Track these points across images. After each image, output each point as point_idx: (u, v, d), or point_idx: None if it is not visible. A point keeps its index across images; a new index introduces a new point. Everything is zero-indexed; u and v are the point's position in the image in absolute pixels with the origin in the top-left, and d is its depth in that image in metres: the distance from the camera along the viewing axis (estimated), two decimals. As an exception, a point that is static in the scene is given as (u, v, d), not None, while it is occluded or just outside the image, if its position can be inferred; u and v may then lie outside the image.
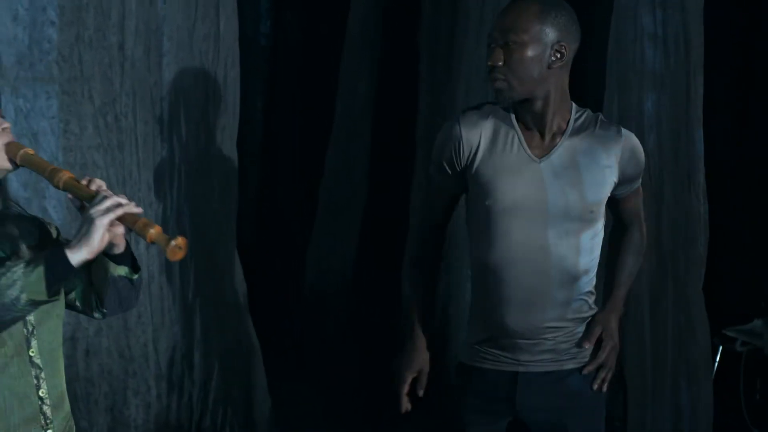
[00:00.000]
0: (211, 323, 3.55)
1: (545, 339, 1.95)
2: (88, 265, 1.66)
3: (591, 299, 2.02)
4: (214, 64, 3.52)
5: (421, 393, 2.11)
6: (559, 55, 1.88)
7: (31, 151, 1.65)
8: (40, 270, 1.48)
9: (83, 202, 1.59)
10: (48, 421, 1.65)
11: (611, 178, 1.95)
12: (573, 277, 1.94)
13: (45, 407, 1.65)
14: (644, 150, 2.05)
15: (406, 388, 2.09)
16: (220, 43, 3.54)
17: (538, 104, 1.92)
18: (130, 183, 3.28)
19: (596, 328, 1.99)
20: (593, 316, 2.03)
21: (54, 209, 3.11)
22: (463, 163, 1.99)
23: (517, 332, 1.96)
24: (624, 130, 1.99)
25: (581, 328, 2.00)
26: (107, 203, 1.52)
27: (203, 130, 3.52)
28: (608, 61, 3.76)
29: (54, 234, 1.77)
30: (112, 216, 1.51)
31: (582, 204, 1.91)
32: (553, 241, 1.90)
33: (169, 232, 3.34)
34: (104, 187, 1.59)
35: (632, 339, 3.60)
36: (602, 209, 1.97)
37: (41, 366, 1.63)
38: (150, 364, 3.34)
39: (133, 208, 1.54)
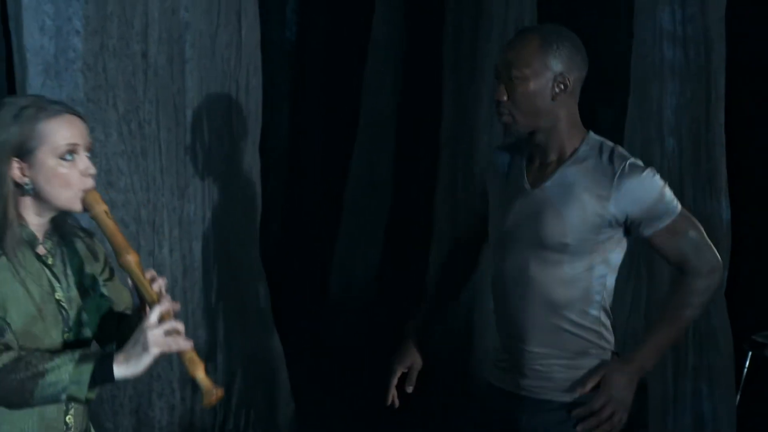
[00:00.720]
0: (234, 327, 3.59)
1: (539, 365, 1.95)
2: (118, 323, 1.74)
3: (591, 336, 1.95)
4: (236, 71, 3.56)
5: (409, 389, 2.14)
6: (562, 87, 1.89)
7: (106, 209, 1.67)
8: (87, 376, 1.53)
9: (140, 294, 1.62)
10: None
11: (597, 212, 1.87)
12: (555, 307, 1.92)
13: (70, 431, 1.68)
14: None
15: (394, 381, 2.14)
16: (242, 51, 3.58)
17: (541, 135, 1.93)
18: (154, 189, 3.32)
19: (596, 374, 1.92)
20: (609, 359, 1.97)
21: (82, 216, 3.16)
22: (486, 185, 2.11)
23: (513, 355, 1.99)
24: (628, 166, 1.87)
25: (588, 363, 1.94)
26: (166, 328, 1.54)
27: (226, 136, 3.55)
28: (632, 64, 3.74)
29: (101, 260, 1.79)
30: (165, 350, 1.55)
31: (558, 235, 1.88)
32: (533, 269, 1.92)
33: (192, 238, 3.42)
34: (164, 289, 1.62)
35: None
36: (588, 242, 1.88)
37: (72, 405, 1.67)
38: (174, 366, 3.38)
39: (187, 346, 1.56)
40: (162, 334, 1.54)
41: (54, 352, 1.59)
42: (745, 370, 3.93)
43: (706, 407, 3.51)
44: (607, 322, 1.98)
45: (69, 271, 1.70)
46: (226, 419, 3.57)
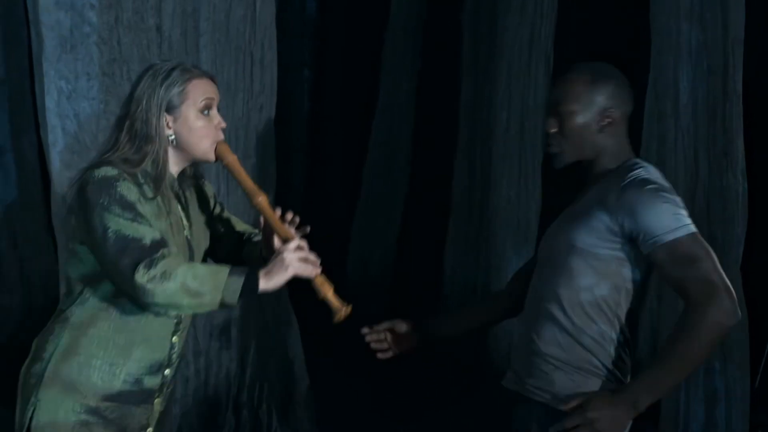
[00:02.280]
0: (249, 302, 3.60)
1: (544, 368, 1.98)
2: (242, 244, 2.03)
3: (597, 350, 1.94)
4: (250, 45, 3.56)
5: (368, 335, 2.28)
6: (609, 120, 1.99)
7: (236, 158, 1.90)
8: (239, 286, 1.74)
9: (271, 229, 1.88)
10: (170, 363, 1.91)
11: (602, 220, 1.91)
12: (565, 310, 1.96)
13: (173, 352, 1.90)
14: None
15: (385, 326, 2.29)
16: (257, 25, 3.58)
17: (598, 165, 2.03)
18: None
19: (582, 397, 1.89)
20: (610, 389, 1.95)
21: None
22: None
23: (526, 352, 2.03)
24: (637, 181, 1.91)
25: (591, 382, 1.94)
26: (302, 254, 1.79)
27: (240, 110, 3.56)
28: (652, 41, 3.68)
29: (213, 200, 2.04)
30: (300, 272, 1.78)
31: (570, 239, 1.96)
32: (553, 273, 1.99)
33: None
34: (297, 219, 1.88)
35: (666, 320, 3.52)
36: (595, 252, 1.91)
37: (181, 317, 1.90)
38: (188, 339, 3.41)
39: (317, 272, 1.81)
40: (298, 259, 1.77)
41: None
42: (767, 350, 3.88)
43: (718, 384, 3.45)
44: (619, 343, 1.95)
45: (192, 212, 1.94)
46: (240, 392, 3.60)
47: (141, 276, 1.71)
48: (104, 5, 3.18)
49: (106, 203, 1.75)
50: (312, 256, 1.80)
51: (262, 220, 1.88)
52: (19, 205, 5.30)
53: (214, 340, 3.51)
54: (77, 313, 1.83)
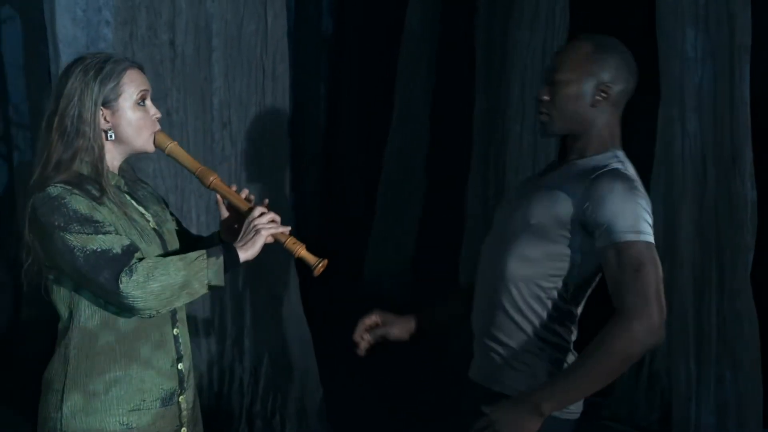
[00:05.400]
0: (261, 313, 3.63)
1: (490, 352, 1.95)
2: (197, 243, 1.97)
3: (533, 337, 1.90)
4: (262, 58, 3.61)
5: (362, 343, 2.24)
6: (604, 95, 1.90)
7: (176, 143, 1.91)
8: (220, 262, 1.76)
9: (233, 206, 1.89)
10: (181, 357, 1.90)
11: (565, 207, 1.85)
12: (507, 283, 1.92)
13: (179, 345, 1.90)
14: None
15: (361, 326, 2.25)
16: (269, 39, 3.63)
17: (581, 140, 1.95)
18: (182, 176, 3.39)
19: (503, 401, 1.85)
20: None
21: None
22: None
23: (477, 341, 2.01)
24: (607, 172, 1.85)
25: (526, 367, 1.91)
26: (268, 218, 1.82)
27: (253, 123, 3.60)
28: (659, 47, 3.68)
29: (165, 205, 2.01)
30: (272, 231, 1.80)
31: (525, 216, 1.90)
32: (499, 247, 1.96)
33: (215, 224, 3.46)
34: (252, 196, 1.89)
35: (676, 330, 3.50)
36: (551, 230, 1.86)
37: (175, 309, 1.88)
38: (201, 350, 3.44)
39: (287, 231, 1.83)
40: (266, 223, 1.80)
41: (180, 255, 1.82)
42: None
43: (729, 394, 3.41)
44: (562, 322, 1.91)
45: (149, 206, 1.93)
46: (253, 402, 3.62)
47: (126, 286, 1.70)
48: (119, 22, 3.24)
49: (62, 224, 1.72)
50: (277, 218, 1.82)
51: (219, 199, 1.90)
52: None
53: (227, 351, 3.53)
54: (75, 334, 1.82)
